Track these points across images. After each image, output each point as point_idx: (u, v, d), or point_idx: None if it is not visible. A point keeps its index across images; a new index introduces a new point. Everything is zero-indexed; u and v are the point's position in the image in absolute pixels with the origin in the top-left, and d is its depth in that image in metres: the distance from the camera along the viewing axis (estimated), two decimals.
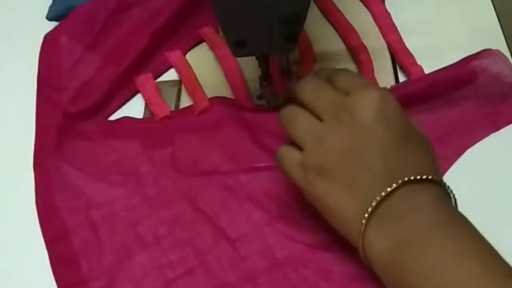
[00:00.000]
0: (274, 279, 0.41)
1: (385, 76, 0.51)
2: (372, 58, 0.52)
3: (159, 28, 0.56)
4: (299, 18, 0.39)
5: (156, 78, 0.55)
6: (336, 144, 0.37)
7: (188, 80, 0.53)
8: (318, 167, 0.37)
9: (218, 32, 0.56)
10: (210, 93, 0.52)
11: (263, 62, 0.46)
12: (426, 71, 0.50)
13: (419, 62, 0.51)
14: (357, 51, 0.53)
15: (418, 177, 0.36)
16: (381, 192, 0.35)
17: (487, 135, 0.47)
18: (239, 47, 0.42)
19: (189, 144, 0.49)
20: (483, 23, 0.53)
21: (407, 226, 0.35)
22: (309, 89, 0.41)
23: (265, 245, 0.42)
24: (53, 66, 0.56)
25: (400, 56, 0.52)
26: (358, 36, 0.54)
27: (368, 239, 0.36)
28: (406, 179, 0.35)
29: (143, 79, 0.54)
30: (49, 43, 0.57)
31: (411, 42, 0.53)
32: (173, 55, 0.56)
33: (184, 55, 0.56)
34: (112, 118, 0.53)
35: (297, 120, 0.40)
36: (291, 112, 0.41)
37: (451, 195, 0.38)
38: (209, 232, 0.43)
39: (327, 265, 0.41)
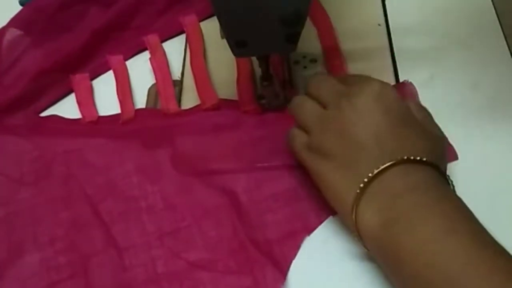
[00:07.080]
0: None
1: (385, 76, 0.50)
2: (372, 58, 0.52)
3: (101, 27, 0.56)
4: (299, 18, 0.39)
5: (92, 79, 0.55)
6: (335, 128, 0.40)
7: (121, 88, 0.54)
8: (321, 149, 0.40)
9: (161, 39, 0.57)
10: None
11: (264, 62, 0.46)
12: (425, 72, 0.50)
13: (419, 63, 0.50)
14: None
15: (412, 157, 0.37)
16: (374, 169, 0.37)
17: None
18: (239, 47, 0.42)
19: (107, 151, 0.49)
20: (483, 23, 0.52)
21: (399, 202, 0.36)
22: (316, 81, 0.43)
23: (150, 258, 0.42)
24: None
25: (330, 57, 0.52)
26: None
27: (361, 214, 0.37)
28: (399, 157, 0.37)
29: (79, 78, 0.55)
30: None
31: (411, 42, 0.52)
32: (115, 60, 0.56)
33: (125, 60, 0.56)
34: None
35: (303, 107, 0.43)
36: (300, 100, 0.44)
37: (449, 180, 0.39)
38: (100, 239, 0.44)
39: (201, 286, 0.40)
